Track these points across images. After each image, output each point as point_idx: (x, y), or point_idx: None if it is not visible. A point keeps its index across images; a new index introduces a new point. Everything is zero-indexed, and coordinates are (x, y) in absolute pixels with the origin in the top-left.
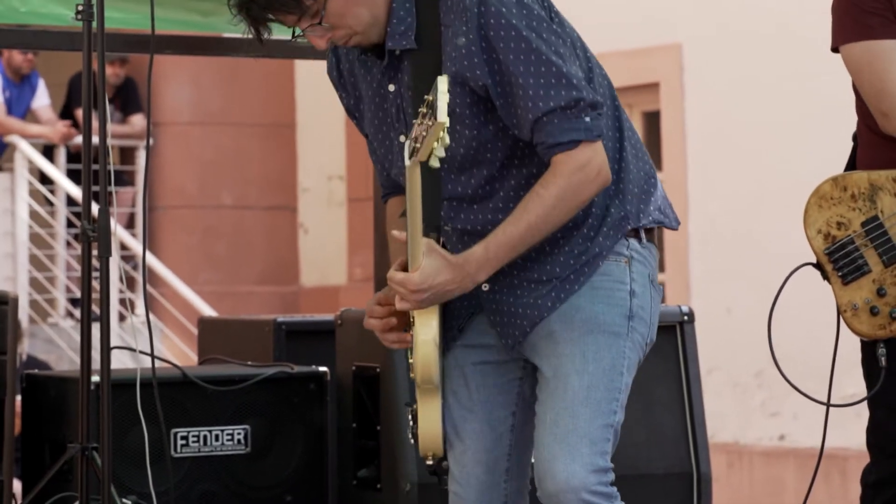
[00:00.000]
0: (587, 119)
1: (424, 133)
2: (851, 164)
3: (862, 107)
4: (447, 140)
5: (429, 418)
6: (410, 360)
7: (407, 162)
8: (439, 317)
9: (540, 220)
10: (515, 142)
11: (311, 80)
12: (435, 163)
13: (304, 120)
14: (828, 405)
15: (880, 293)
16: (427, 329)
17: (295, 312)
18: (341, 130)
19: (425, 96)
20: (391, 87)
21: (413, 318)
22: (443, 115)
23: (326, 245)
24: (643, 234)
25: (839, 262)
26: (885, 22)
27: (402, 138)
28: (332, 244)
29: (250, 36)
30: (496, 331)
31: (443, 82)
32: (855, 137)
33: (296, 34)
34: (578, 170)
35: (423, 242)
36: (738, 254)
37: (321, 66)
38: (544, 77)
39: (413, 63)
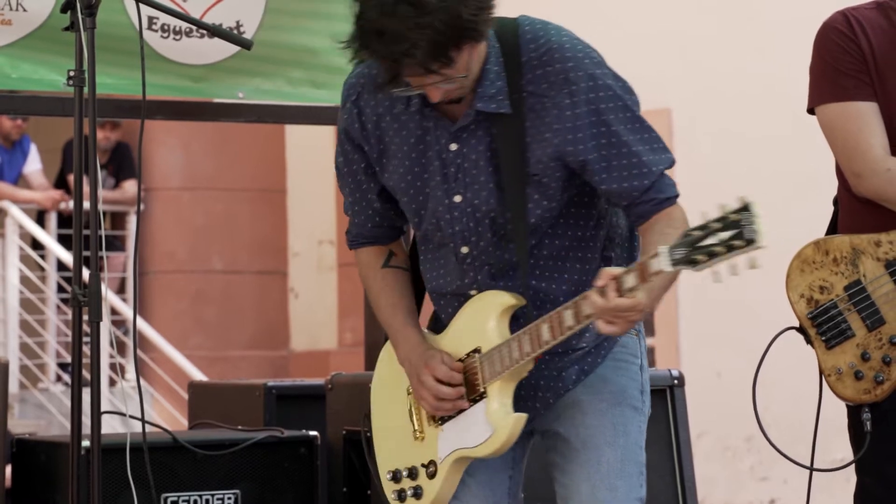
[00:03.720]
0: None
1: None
2: (833, 229)
3: (841, 170)
4: None
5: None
6: (437, 426)
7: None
8: None
9: None
10: (559, 215)
11: (302, 145)
12: None
13: (294, 185)
14: (811, 469)
15: (864, 357)
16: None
17: (285, 377)
18: (331, 195)
19: None
20: (453, 147)
21: (485, 389)
22: None
23: (316, 309)
24: None
25: (822, 326)
26: (859, 84)
27: (457, 198)
28: (323, 309)
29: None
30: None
31: None
32: (835, 201)
33: (397, 88)
34: (686, 220)
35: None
36: (727, 318)
37: (312, 131)
38: (649, 144)
39: (502, 127)
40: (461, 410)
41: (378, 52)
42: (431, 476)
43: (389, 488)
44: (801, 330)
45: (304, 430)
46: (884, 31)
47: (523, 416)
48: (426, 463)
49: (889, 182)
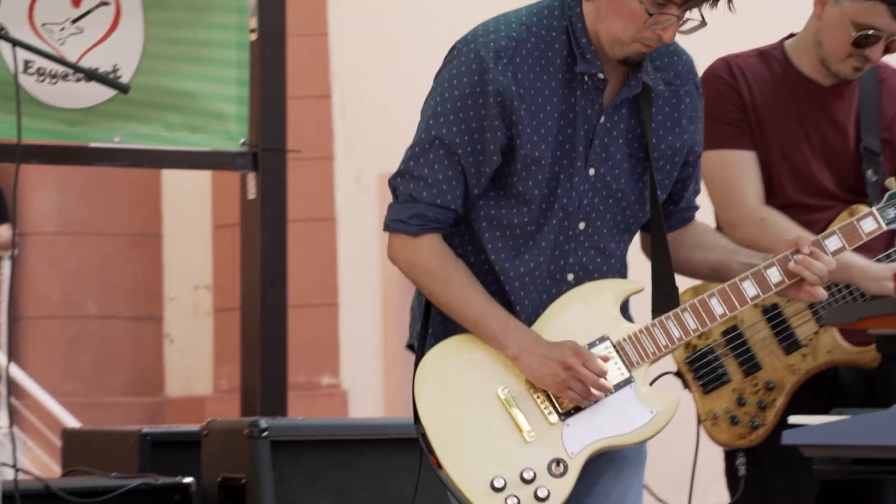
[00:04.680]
0: None
1: None
2: None
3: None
4: None
5: None
6: (559, 422)
7: None
8: None
9: None
10: None
11: (177, 189)
12: None
13: (170, 229)
14: None
15: (740, 402)
16: None
17: (160, 423)
18: (208, 240)
19: None
20: (602, 120)
21: (632, 375)
22: None
23: (192, 355)
24: None
25: (700, 370)
26: (739, 132)
27: (591, 171)
28: (198, 354)
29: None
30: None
31: None
32: None
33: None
34: None
35: None
36: None
37: (188, 175)
38: None
39: (640, 108)
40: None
41: None
42: (560, 475)
43: (492, 500)
44: (678, 374)
45: (178, 477)
46: (765, 80)
47: (679, 397)
48: (554, 461)
49: (763, 231)
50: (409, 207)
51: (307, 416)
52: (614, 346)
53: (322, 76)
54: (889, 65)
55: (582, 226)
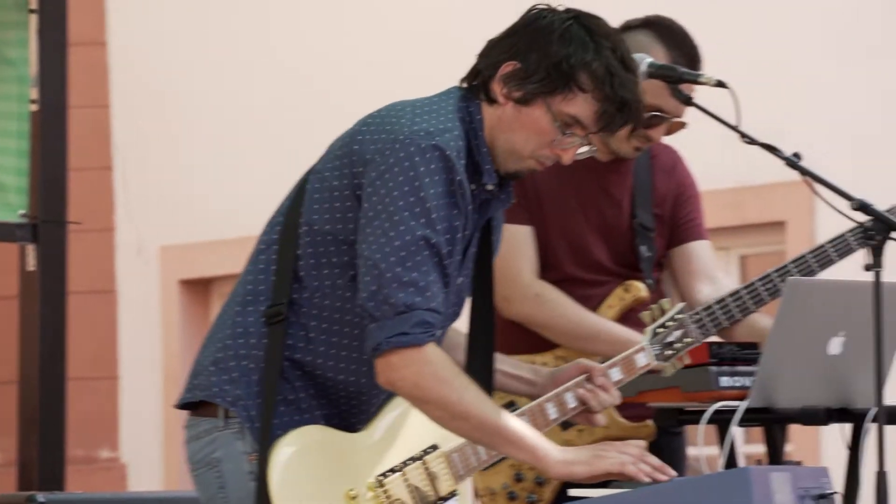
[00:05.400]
0: None
1: None
2: None
3: None
4: None
5: None
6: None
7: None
8: None
9: None
10: None
11: None
12: None
13: None
14: None
15: (518, 478)
16: None
17: None
18: None
19: None
20: (476, 234)
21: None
22: None
23: None
24: None
25: None
26: (516, 207)
27: (459, 280)
28: None
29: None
30: None
31: None
32: None
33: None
34: None
35: None
36: None
37: None
38: None
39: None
40: None
41: (628, 95)
42: None
43: None
44: None
45: None
46: None
47: None
48: None
49: (538, 306)
50: (407, 318)
51: (86, 490)
52: (444, 456)
53: (103, 147)
54: (661, 141)
55: (438, 332)
